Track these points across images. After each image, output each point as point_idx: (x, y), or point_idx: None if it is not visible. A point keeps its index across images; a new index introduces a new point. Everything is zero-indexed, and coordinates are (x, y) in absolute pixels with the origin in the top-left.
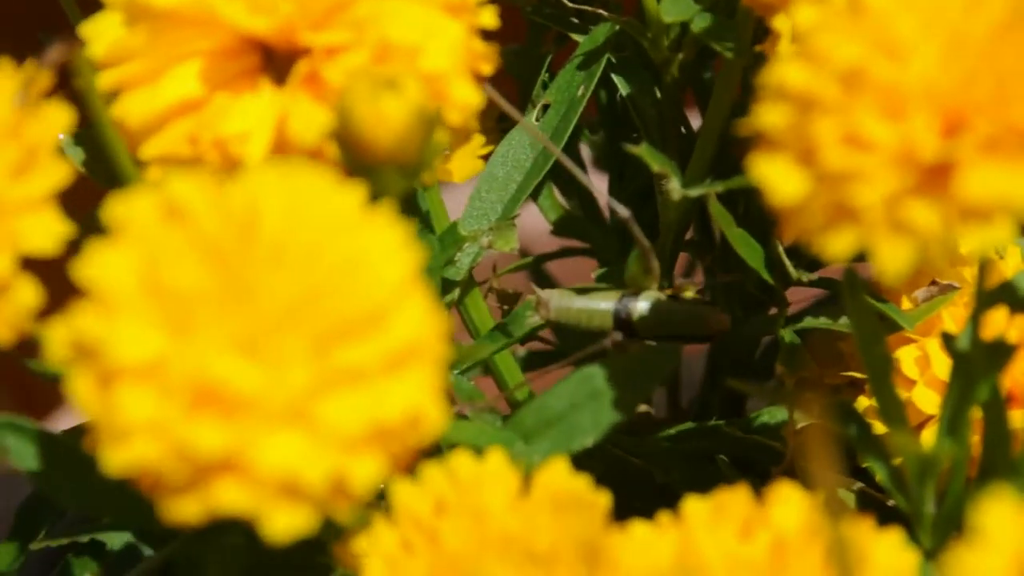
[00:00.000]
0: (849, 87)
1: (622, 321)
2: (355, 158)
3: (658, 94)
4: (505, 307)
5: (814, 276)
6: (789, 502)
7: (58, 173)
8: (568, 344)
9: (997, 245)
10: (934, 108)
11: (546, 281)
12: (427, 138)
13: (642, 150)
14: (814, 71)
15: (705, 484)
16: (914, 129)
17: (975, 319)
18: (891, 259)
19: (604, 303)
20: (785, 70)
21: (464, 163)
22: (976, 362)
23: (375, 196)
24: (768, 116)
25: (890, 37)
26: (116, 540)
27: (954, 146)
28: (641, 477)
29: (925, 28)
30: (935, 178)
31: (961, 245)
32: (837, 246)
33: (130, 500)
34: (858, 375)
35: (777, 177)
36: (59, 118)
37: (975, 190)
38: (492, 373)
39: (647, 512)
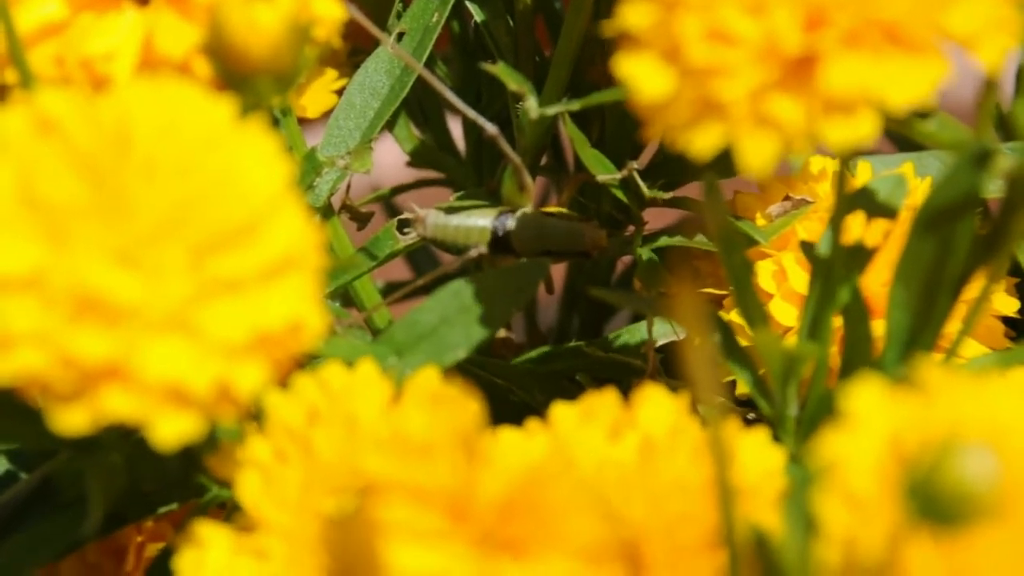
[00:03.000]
0: None
1: (499, 238)
2: (229, 69)
3: (511, 22)
4: (359, 225)
5: (668, 195)
6: (656, 404)
7: None
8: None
9: (861, 140)
10: (796, 2)
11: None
12: (299, 48)
13: (499, 69)
14: None
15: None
16: (777, 23)
17: (835, 223)
18: (755, 154)
19: (481, 220)
20: None
21: (317, 97)
22: (836, 266)
23: (248, 108)
24: (632, 16)
25: None
26: None
27: (816, 39)
28: (502, 398)
29: None
30: (799, 72)
31: (826, 138)
32: (702, 142)
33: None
34: (715, 291)
35: (642, 75)
36: None
37: (838, 83)
38: (352, 300)
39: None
